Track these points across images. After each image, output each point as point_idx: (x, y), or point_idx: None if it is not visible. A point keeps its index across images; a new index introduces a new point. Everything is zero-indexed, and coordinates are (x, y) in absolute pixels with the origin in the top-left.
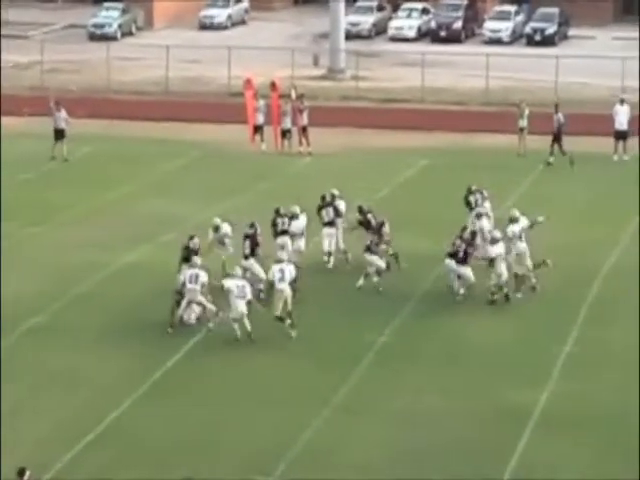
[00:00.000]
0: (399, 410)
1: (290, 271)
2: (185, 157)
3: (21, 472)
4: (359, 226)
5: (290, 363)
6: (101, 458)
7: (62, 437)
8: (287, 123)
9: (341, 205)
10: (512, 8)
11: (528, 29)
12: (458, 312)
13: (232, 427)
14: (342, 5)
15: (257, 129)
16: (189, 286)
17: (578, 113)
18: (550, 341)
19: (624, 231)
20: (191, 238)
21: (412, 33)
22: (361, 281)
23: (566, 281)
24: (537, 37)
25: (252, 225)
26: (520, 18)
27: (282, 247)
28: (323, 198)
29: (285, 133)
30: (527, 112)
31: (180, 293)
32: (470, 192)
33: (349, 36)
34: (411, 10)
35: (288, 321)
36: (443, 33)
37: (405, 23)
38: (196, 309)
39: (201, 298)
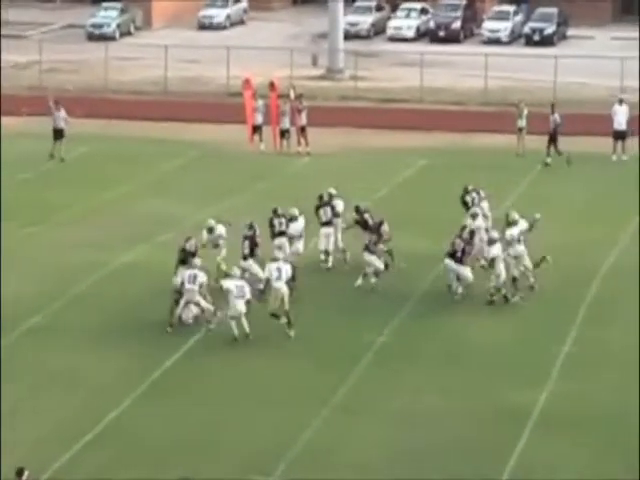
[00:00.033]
0: (398, 410)
1: (286, 270)
2: (183, 157)
3: (20, 472)
4: (355, 225)
5: (289, 363)
6: (100, 458)
7: (61, 437)
8: (286, 123)
9: (339, 204)
10: (511, 8)
11: (527, 29)
12: (457, 312)
13: (231, 427)
14: (341, 5)
15: (256, 129)
16: (187, 286)
17: (577, 113)
18: (549, 341)
19: (623, 231)
20: (187, 240)
21: (411, 33)
22: (359, 280)
23: (565, 281)
24: (536, 37)
25: (251, 226)
26: (519, 18)
27: (279, 248)
28: (320, 198)
29: (284, 133)
30: (526, 112)
31: (179, 292)
32: (466, 192)
33: (348, 36)
34: (410, 10)
35: (284, 319)
36: (442, 33)
37: (404, 23)
38: (194, 309)
39: (199, 298)
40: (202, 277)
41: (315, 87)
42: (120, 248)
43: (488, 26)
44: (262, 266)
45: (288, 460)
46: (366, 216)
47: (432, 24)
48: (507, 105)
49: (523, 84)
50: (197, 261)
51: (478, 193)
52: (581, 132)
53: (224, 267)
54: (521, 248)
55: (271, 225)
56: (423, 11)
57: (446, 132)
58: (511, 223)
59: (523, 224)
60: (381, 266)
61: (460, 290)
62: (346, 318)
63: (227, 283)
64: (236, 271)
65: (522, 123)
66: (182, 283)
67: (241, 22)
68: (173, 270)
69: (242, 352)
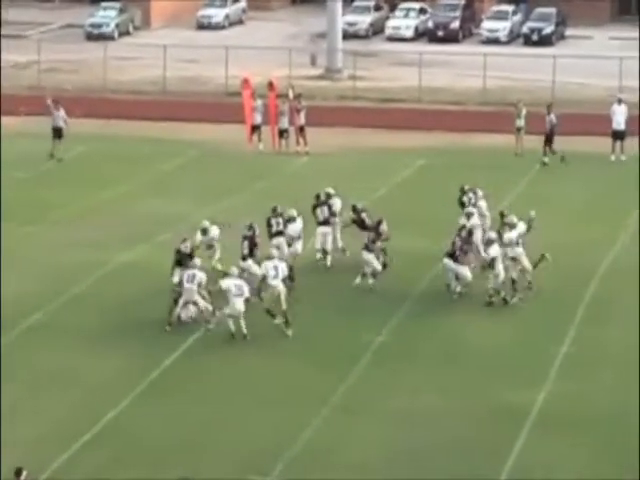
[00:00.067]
0: (397, 410)
1: (282, 268)
2: (182, 157)
3: (18, 472)
4: (352, 224)
5: (288, 363)
6: (98, 458)
7: (59, 436)
8: (284, 123)
9: (337, 203)
10: (509, 8)
11: (525, 29)
12: (455, 312)
13: (230, 427)
14: (339, 5)
15: (254, 129)
16: (186, 286)
17: (575, 113)
18: (547, 341)
19: (621, 231)
20: (183, 241)
21: (409, 33)
22: (358, 279)
23: (563, 281)
24: (534, 37)
25: (250, 227)
26: (517, 18)
27: (277, 248)
28: (317, 197)
29: (282, 133)
30: (524, 112)
31: (178, 292)
32: (463, 192)
33: (346, 36)
34: (408, 10)
35: (279, 319)
36: (440, 33)
37: (402, 23)
38: (192, 308)
39: (198, 298)
40: (201, 276)
41: (314, 87)
42: (118, 248)
43: (487, 26)
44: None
45: (287, 460)
46: (363, 215)
47: (431, 24)
48: (506, 105)
49: (522, 84)
50: (196, 261)
51: (475, 193)
52: (580, 132)
53: (219, 267)
54: (519, 250)
55: (269, 224)
56: (422, 11)
57: (445, 132)
58: (510, 226)
59: (522, 227)
60: (378, 267)
61: (458, 288)
62: (345, 318)
63: (226, 282)
64: (234, 270)
65: (521, 123)
66: (180, 283)
67: (240, 22)
68: (170, 271)
69: (241, 352)
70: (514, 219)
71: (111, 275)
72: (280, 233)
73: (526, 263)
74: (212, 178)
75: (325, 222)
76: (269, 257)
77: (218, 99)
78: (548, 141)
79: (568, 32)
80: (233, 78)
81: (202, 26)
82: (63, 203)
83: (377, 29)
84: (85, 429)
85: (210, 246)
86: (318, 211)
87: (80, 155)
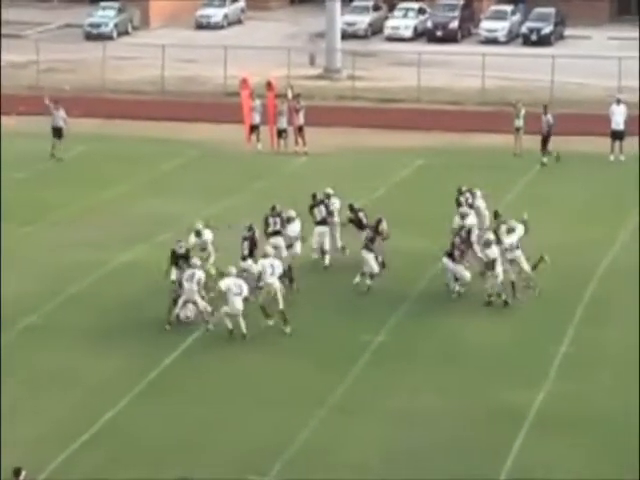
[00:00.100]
0: (395, 410)
1: (278, 266)
2: (181, 157)
3: (17, 472)
4: (349, 223)
5: (286, 363)
6: (97, 457)
7: (58, 436)
8: (283, 123)
9: (336, 203)
10: (508, 8)
11: (524, 29)
12: (454, 312)
13: (228, 426)
14: (338, 5)
15: (253, 129)
16: (186, 285)
17: (574, 113)
18: (546, 341)
19: (620, 231)
20: (177, 242)
21: (408, 33)
22: (358, 278)
23: (562, 281)
24: (533, 37)
25: (250, 227)
26: (516, 18)
27: (275, 247)
28: (314, 197)
29: (281, 133)
30: (523, 112)
31: (177, 292)
32: (460, 193)
33: (345, 36)
34: (407, 10)
35: (272, 320)
36: (439, 33)
37: (401, 23)
38: (191, 308)
39: (197, 298)
40: (200, 275)
41: (313, 87)
42: (118, 248)
43: (485, 26)
44: None
45: (285, 460)
46: (360, 215)
47: (429, 24)
48: (505, 105)
49: (521, 84)
50: (196, 260)
51: (472, 194)
52: (578, 132)
53: (213, 272)
54: (518, 252)
55: (266, 223)
56: (420, 11)
57: (444, 132)
58: (509, 231)
59: (520, 230)
60: (376, 269)
61: (457, 288)
62: (343, 318)
63: (225, 282)
64: (232, 269)
65: (519, 123)
66: (180, 283)
67: (239, 22)
68: (165, 271)
69: (240, 352)
70: (513, 223)
71: (111, 275)
72: (278, 233)
73: (525, 265)
74: (211, 178)
75: (322, 222)
76: (265, 255)
77: (217, 99)
78: (545, 141)
79: (567, 32)
80: (232, 78)
81: (201, 26)
82: (62, 203)
83: (376, 29)
84: (84, 429)
85: (203, 249)
86: (315, 211)
87: (79, 155)
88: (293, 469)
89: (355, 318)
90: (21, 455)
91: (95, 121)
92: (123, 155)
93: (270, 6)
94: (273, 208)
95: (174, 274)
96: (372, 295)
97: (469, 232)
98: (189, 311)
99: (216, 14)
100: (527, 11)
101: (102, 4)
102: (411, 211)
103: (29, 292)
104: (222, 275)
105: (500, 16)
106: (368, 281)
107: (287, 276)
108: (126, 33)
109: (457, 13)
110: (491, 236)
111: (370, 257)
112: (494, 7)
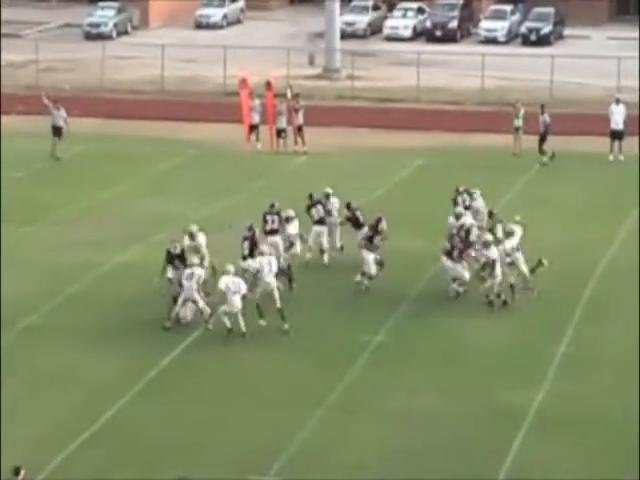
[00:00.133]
0: (394, 410)
1: (274, 264)
2: (180, 156)
3: (16, 471)
4: (347, 222)
5: (286, 362)
6: (96, 457)
7: (57, 436)
8: (282, 122)
9: (335, 203)
10: (508, 8)
11: (523, 29)
12: (453, 312)
13: (227, 426)
14: (337, 4)
15: (252, 128)
16: (185, 284)
17: (573, 113)
18: (545, 341)
19: (619, 231)
20: (172, 242)
21: (407, 33)
22: (358, 277)
23: (561, 281)
24: (532, 37)
25: (251, 227)
26: (516, 18)
27: (274, 246)
28: (311, 197)
29: (280, 132)
30: (523, 112)
31: (177, 291)
32: (458, 193)
33: (344, 35)
34: (406, 10)
35: (265, 321)
36: (438, 33)
37: (400, 23)
38: (191, 306)
39: (197, 296)
40: (200, 274)
41: (312, 86)
42: (117, 247)
43: (485, 26)
44: None
45: (284, 459)
46: (357, 213)
47: (429, 24)
48: (504, 105)
49: (520, 84)
50: (194, 259)
51: (470, 194)
52: (578, 132)
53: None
54: (518, 254)
55: (264, 220)
56: (420, 11)
57: (443, 132)
58: (508, 235)
59: (519, 232)
60: (373, 271)
61: (455, 287)
62: (342, 317)
63: (223, 281)
64: (230, 267)
65: (519, 123)
66: (180, 282)
67: (238, 21)
68: (160, 273)
69: (239, 351)
70: (512, 227)
71: (109, 275)
72: (276, 231)
73: (524, 268)
74: (210, 178)
75: (320, 221)
76: (261, 253)
77: (216, 99)
78: (542, 141)
79: (566, 32)
80: (231, 78)
81: (200, 26)
82: (61, 203)
83: (375, 29)
84: (83, 428)
85: (197, 251)
86: (313, 211)
87: (78, 154)
88: (292, 469)
89: (354, 318)
90: (21, 455)
91: (94, 121)
92: (122, 155)
93: (269, 6)
94: (272, 206)
95: (170, 273)
96: (371, 295)
97: (468, 232)
98: (188, 310)
99: (215, 14)
100: (526, 11)
101: (101, 4)
102: (410, 211)
103: (28, 292)
104: (214, 270)
105: (499, 16)
106: (366, 281)
107: (287, 276)
108: (125, 33)
109: (456, 13)
110: (490, 237)
111: (370, 257)
112: (493, 7)
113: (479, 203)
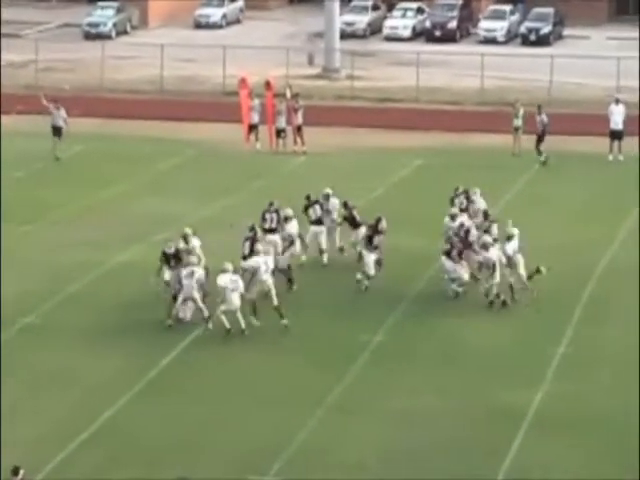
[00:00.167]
0: (394, 410)
1: (271, 263)
2: (180, 156)
3: (15, 471)
4: (344, 221)
5: (285, 362)
6: (96, 457)
7: (57, 436)
8: (282, 122)
9: (335, 204)
10: (507, 8)
11: (523, 29)
12: (453, 312)
13: (227, 426)
14: (337, 4)
15: (252, 128)
16: (185, 283)
17: (573, 113)
18: (545, 341)
19: (619, 231)
20: (166, 242)
21: (407, 33)
22: (359, 275)
23: (561, 281)
24: (532, 37)
25: (252, 227)
26: (515, 18)
27: (272, 245)
28: (308, 197)
29: (280, 132)
30: (522, 112)
31: (177, 289)
32: (456, 194)
33: (344, 35)
34: (406, 10)
35: (257, 322)
36: (438, 33)
37: (400, 23)
38: (190, 306)
39: (196, 295)
40: (200, 273)
41: (311, 86)
42: (117, 247)
43: (484, 26)
44: None
45: (284, 459)
46: (354, 212)
47: (428, 24)
48: (503, 105)
49: (519, 84)
50: (193, 259)
51: (467, 197)
52: (577, 132)
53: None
54: (518, 256)
55: (263, 219)
56: (419, 11)
57: (442, 132)
58: (509, 238)
59: (517, 234)
60: (372, 271)
61: (454, 287)
62: (342, 317)
63: (221, 279)
64: (228, 265)
65: (518, 123)
66: (179, 281)
67: (237, 21)
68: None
69: (238, 351)
70: (512, 230)
71: (109, 275)
72: (274, 230)
73: (522, 271)
74: (209, 177)
75: (318, 221)
76: (258, 252)
77: (215, 98)
78: (539, 141)
79: (566, 32)
80: (230, 77)
81: (199, 25)
82: (61, 202)
83: (375, 29)
84: (83, 428)
85: (190, 254)
86: (310, 211)
87: (77, 154)
88: (292, 469)
89: (354, 318)
90: (21, 455)
91: (94, 120)
92: (122, 154)
93: (269, 6)
94: (270, 204)
95: (167, 274)
96: (371, 295)
97: (468, 232)
98: (188, 310)
99: (215, 14)
100: (526, 11)
101: (101, 4)
102: (410, 211)
103: (28, 292)
104: (208, 272)
105: (499, 16)
106: (365, 282)
107: (286, 276)
108: (125, 33)
109: (456, 13)
110: (489, 239)
111: (370, 258)
112: (493, 7)
113: (479, 203)
